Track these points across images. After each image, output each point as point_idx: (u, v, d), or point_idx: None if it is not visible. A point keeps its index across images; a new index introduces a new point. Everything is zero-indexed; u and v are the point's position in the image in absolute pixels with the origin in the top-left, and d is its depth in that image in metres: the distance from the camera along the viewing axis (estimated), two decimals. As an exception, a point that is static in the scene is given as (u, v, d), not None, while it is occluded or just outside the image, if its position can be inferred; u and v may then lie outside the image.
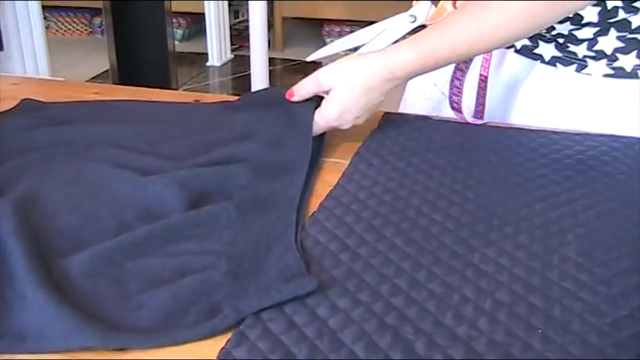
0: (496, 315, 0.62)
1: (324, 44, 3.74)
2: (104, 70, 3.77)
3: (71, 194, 0.81)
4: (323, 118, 0.91)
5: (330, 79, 0.90)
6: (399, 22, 1.00)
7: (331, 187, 0.83)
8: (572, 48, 0.96)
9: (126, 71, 3.58)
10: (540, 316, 0.62)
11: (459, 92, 1.02)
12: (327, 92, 0.91)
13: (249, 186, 0.83)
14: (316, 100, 0.93)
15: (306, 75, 0.93)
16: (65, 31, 4.87)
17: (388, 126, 0.98)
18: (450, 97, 1.04)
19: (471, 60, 0.99)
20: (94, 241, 0.72)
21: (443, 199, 0.80)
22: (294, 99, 0.94)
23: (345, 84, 0.89)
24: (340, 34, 4.50)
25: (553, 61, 0.99)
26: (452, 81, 1.03)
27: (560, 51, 0.97)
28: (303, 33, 4.76)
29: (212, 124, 0.99)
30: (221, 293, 0.65)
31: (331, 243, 0.72)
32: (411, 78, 0.91)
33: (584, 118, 0.98)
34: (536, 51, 1.00)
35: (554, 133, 0.96)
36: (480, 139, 0.94)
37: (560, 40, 0.97)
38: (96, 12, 4.68)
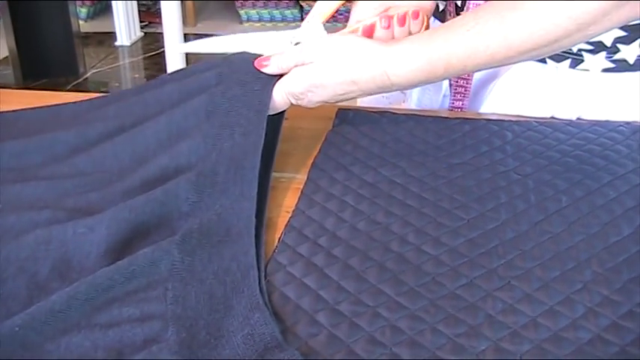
0: (533, 391, 0.47)
1: (239, 17, 3.54)
2: (3, 56, 3.49)
3: None
4: (285, 90, 0.73)
5: (314, 53, 0.72)
6: (280, 42, 0.80)
7: (289, 214, 0.67)
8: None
9: (28, 56, 3.31)
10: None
11: (463, 97, 0.87)
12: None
13: (192, 211, 0.65)
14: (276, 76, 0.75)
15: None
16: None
17: (345, 126, 0.82)
18: (452, 103, 0.89)
19: None
20: None
21: (429, 223, 0.65)
22: (269, 70, 0.75)
23: (328, 64, 0.71)
24: (254, 6, 4.28)
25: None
26: (454, 88, 0.88)
27: None
28: (216, 6, 4.51)
29: (139, 116, 0.78)
30: None
31: (303, 298, 0.55)
32: (408, 87, 0.73)
33: (577, 116, 0.84)
34: None
35: (540, 123, 0.81)
36: (455, 137, 0.79)
37: None
38: (-10, -8, 4.35)
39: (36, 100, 0.90)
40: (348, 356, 0.50)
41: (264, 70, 0.75)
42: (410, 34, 0.76)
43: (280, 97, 0.74)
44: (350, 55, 0.70)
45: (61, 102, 0.87)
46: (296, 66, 0.73)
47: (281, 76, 0.74)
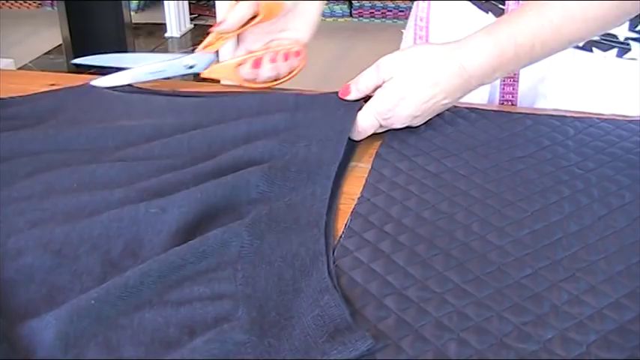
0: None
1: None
2: (57, 45, 3.55)
3: (38, 222, 0.64)
4: (373, 110, 0.76)
5: (392, 68, 0.75)
6: (175, 67, 0.88)
7: (353, 201, 0.68)
8: (611, 29, 0.81)
9: (80, 46, 3.36)
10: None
11: (514, 81, 0.88)
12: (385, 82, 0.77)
13: (261, 199, 0.67)
14: (361, 102, 0.79)
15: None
16: (12, 4, 4.59)
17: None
18: (502, 89, 0.89)
19: None
20: (74, 289, 0.57)
21: (494, 214, 0.65)
22: (351, 96, 0.78)
23: (408, 73, 0.74)
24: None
25: (589, 46, 0.84)
26: (502, 80, 0.89)
27: None
28: (265, -1, 4.53)
29: (217, 119, 0.81)
30: (247, 357, 0.50)
31: (370, 283, 0.57)
32: (485, 78, 0.75)
33: (629, 109, 0.84)
34: None
35: (602, 120, 0.82)
36: (517, 131, 0.79)
37: None
38: (44, -18, 4.43)
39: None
40: (418, 342, 0.51)
41: (348, 97, 0.79)
42: (292, 69, 0.87)
43: (368, 119, 0.76)
44: (425, 59, 0.74)
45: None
46: (376, 87, 0.76)
47: (366, 100, 0.77)
